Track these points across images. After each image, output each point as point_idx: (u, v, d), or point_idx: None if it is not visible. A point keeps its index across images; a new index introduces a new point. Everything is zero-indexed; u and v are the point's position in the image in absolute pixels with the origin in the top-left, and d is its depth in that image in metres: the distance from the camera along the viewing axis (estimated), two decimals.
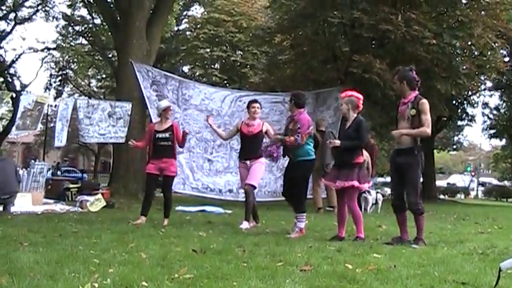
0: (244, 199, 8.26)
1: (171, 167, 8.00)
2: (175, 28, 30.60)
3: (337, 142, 6.48)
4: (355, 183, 6.47)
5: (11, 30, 29.05)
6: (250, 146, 7.98)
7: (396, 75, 6.38)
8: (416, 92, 6.29)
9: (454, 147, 44.22)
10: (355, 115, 6.66)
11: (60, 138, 12.26)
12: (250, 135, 8.01)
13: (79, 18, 29.41)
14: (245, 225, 7.75)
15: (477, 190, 53.07)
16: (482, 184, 55.00)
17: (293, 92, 7.69)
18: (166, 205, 8.02)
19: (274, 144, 7.32)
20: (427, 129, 6.09)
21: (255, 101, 8.36)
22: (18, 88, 29.63)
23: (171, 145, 8.00)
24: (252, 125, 8.04)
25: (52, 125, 13.82)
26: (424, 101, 6.18)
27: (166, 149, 7.98)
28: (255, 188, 8.06)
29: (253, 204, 8.06)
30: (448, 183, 53.09)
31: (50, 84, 32.66)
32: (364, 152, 8.26)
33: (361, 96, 6.76)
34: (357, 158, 6.56)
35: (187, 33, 30.49)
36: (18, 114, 12.03)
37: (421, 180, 6.47)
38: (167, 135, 7.99)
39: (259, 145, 7.97)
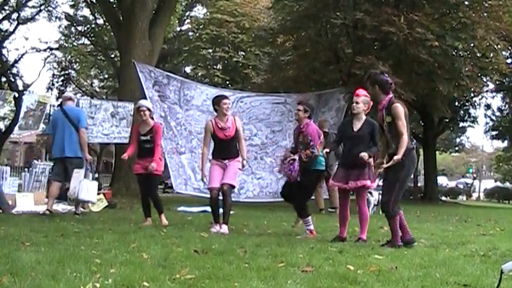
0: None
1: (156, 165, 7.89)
2: (178, 29, 30.65)
3: (366, 155, 6.30)
4: (368, 182, 6.46)
5: (14, 30, 29.17)
6: (228, 148, 7.50)
7: (368, 81, 6.17)
8: (390, 96, 6.07)
9: (456, 148, 44.17)
10: (364, 116, 6.64)
11: None
12: (227, 139, 7.47)
13: (82, 19, 29.50)
14: (225, 229, 7.17)
15: (479, 192, 52.99)
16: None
17: (306, 102, 7.57)
18: (156, 203, 7.97)
19: (286, 162, 7.08)
20: (405, 136, 5.85)
21: (225, 96, 7.80)
22: (20, 88, 29.72)
23: (153, 146, 7.91)
24: (228, 128, 7.42)
25: None
26: (396, 104, 5.95)
27: (149, 150, 7.89)
28: (233, 188, 7.66)
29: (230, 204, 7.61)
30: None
31: (53, 84, 32.74)
32: None
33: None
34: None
35: (190, 33, 30.55)
36: (21, 114, 12.06)
37: (407, 184, 6.20)
38: (148, 137, 7.91)
39: (235, 144, 7.57)
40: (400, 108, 5.94)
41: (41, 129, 18.57)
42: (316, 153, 6.98)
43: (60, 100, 19.32)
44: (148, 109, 8.00)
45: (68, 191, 11.89)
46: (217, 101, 7.56)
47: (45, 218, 8.07)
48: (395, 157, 5.82)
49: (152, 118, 8.19)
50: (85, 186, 8.77)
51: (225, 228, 7.18)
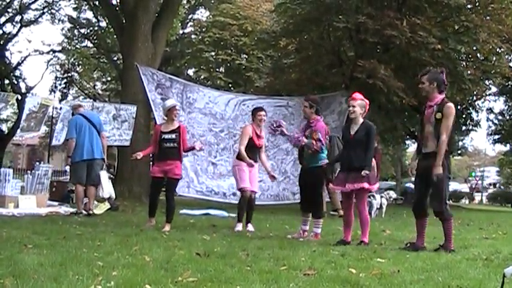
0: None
1: (176, 169, 7.75)
2: (181, 31, 30.67)
3: (366, 172, 6.42)
4: (366, 185, 6.47)
5: (17, 32, 29.21)
6: (256, 154, 8.21)
7: (426, 76, 6.19)
8: (443, 95, 6.17)
9: (459, 152, 44.06)
10: (362, 119, 6.66)
11: (59, 138, 12.37)
12: (259, 147, 8.22)
13: (85, 21, 29.56)
14: (251, 227, 7.96)
15: (482, 195, 52.91)
16: None
17: (311, 97, 7.66)
18: (169, 209, 7.72)
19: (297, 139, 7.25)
20: (444, 137, 5.95)
21: (262, 108, 8.43)
22: (23, 90, 29.75)
23: (177, 147, 7.75)
24: (262, 137, 8.25)
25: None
26: (450, 105, 6.06)
27: (171, 151, 7.74)
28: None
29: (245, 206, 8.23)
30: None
31: (55, 87, 32.74)
32: None
33: (367, 101, 6.81)
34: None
35: (193, 36, 30.54)
36: (24, 116, 12.10)
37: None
38: (173, 136, 7.75)
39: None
40: (453, 110, 6.07)
41: (43, 131, 18.63)
42: (323, 148, 7.14)
43: (63, 102, 19.40)
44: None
45: (72, 193, 12.01)
46: (254, 112, 8.32)
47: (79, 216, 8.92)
48: (436, 166, 5.93)
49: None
50: (111, 186, 10.15)
51: (251, 227, 7.98)
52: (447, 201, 6.15)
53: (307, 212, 7.41)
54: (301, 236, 7.28)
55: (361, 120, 6.67)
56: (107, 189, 9.83)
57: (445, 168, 6.04)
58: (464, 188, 55.41)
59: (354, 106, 6.67)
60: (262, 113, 8.23)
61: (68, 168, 11.56)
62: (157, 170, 7.83)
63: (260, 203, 13.35)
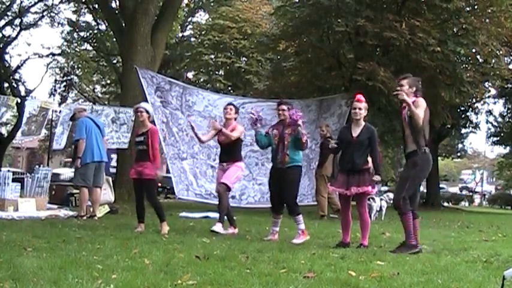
0: (218, 201, 8.18)
1: (146, 170, 7.71)
2: (180, 34, 30.72)
3: (378, 178, 6.55)
4: (369, 188, 6.49)
5: (17, 35, 29.23)
6: (226, 150, 8.05)
7: (406, 80, 6.27)
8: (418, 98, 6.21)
9: (458, 154, 44.07)
10: (363, 122, 6.68)
11: (59, 142, 12.39)
12: (224, 143, 8.05)
13: (84, 24, 29.58)
14: (219, 227, 7.55)
15: (481, 198, 52.89)
16: None
17: (286, 101, 7.74)
18: (156, 210, 7.69)
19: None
20: (419, 120, 5.95)
21: (229, 103, 8.48)
22: (23, 93, 29.77)
23: (146, 149, 7.76)
24: (222, 134, 8.03)
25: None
26: (421, 98, 6.15)
27: (141, 153, 7.81)
28: (229, 189, 8.00)
29: (228, 207, 8.02)
30: None
31: (55, 90, 32.79)
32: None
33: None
34: (367, 164, 6.58)
35: (192, 39, 30.61)
36: (24, 120, 12.11)
37: (418, 184, 6.42)
38: (141, 139, 7.85)
39: (236, 149, 8.07)
40: (422, 101, 6.13)
41: (43, 135, 18.65)
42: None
43: (62, 105, 19.40)
44: (147, 111, 8.00)
45: (71, 196, 12.00)
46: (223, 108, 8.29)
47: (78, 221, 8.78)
48: (410, 102, 5.99)
49: (153, 122, 8.28)
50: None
51: (218, 226, 7.55)
52: (407, 197, 6.02)
53: (280, 214, 7.35)
54: (274, 238, 7.20)
55: (363, 122, 6.67)
56: (107, 193, 9.99)
57: (415, 167, 6.07)
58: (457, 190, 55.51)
59: (360, 108, 6.65)
60: (229, 106, 8.26)
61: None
62: (133, 171, 7.92)
63: (260, 205, 13.37)
